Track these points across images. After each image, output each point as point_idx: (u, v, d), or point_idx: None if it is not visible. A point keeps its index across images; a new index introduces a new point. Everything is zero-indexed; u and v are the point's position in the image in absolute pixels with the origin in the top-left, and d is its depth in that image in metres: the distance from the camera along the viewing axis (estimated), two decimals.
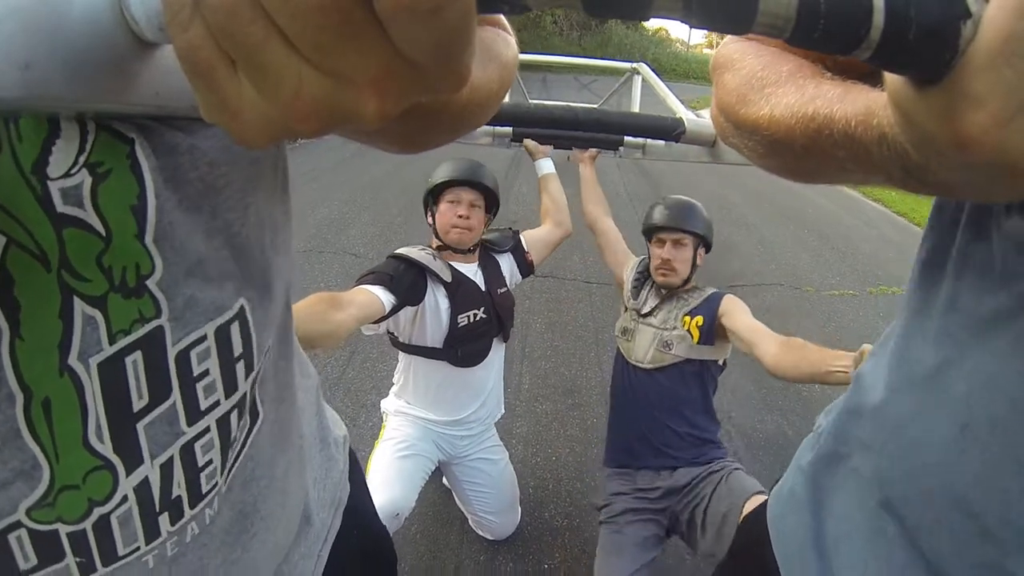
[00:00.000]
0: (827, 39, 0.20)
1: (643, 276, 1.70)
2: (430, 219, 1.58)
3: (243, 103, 0.18)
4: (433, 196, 1.56)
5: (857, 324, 3.52)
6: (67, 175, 0.26)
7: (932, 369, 0.41)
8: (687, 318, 1.55)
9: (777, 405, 2.62)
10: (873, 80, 0.30)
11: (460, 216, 1.50)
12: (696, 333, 1.53)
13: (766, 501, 0.66)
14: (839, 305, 3.78)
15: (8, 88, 0.19)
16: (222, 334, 0.37)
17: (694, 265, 1.61)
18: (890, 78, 0.25)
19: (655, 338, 1.59)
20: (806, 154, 0.34)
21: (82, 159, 0.27)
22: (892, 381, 0.46)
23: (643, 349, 1.61)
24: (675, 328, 1.56)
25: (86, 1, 0.20)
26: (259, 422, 0.46)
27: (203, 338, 0.36)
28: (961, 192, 0.28)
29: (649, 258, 1.67)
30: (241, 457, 0.44)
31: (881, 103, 0.28)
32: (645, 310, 1.63)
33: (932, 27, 0.20)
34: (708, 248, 1.65)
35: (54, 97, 0.21)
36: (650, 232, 1.64)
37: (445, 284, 1.49)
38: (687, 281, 1.62)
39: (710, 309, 1.54)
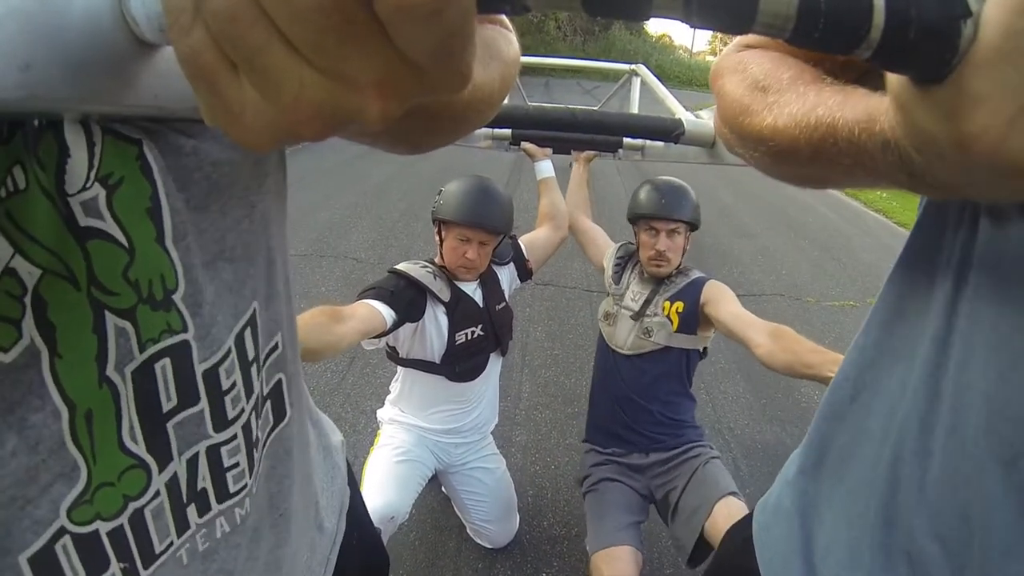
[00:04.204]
0: (827, 39, 0.20)
1: (624, 260, 1.67)
2: (438, 237, 1.54)
3: (245, 106, 0.18)
4: (443, 221, 1.50)
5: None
6: (83, 190, 0.27)
7: (922, 381, 0.41)
8: (667, 303, 1.53)
9: (776, 415, 2.61)
10: (872, 80, 0.30)
11: (468, 258, 1.48)
12: (675, 319, 1.51)
13: (751, 514, 0.66)
14: (840, 316, 3.77)
15: (8, 89, 0.19)
16: (239, 341, 0.38)
17: (684, 251, 1.58)
18: (891, 79, 0.24)
19: (636, 325, 1.57)
20: (812, 162, 0.34)
21: (92, 174, 0.27)
22: (884, 393, 0.46)
23: (623, 336, 1.59)
24: (656, 314, 1.54)
25: (86, 2, 0.20)
26: (285, 421, 0.47)
27: (228, 353, 0.37)
28: (966, 193, 0.28)
29: (637, 245, 1.63)
30: (263, 455, 0.45)
31: (882, 108, 0.28)
32: (629, 301, 1.60)
33: (932, 26, 0.20)
34: (696, 228, 1.61)
35: (55, 98, 0.21)
36: (639, 219, 1.58)
37: (444, 303, 1.49)
38: (677, 267, 1.59)
39: (692, 295, 1.52)
